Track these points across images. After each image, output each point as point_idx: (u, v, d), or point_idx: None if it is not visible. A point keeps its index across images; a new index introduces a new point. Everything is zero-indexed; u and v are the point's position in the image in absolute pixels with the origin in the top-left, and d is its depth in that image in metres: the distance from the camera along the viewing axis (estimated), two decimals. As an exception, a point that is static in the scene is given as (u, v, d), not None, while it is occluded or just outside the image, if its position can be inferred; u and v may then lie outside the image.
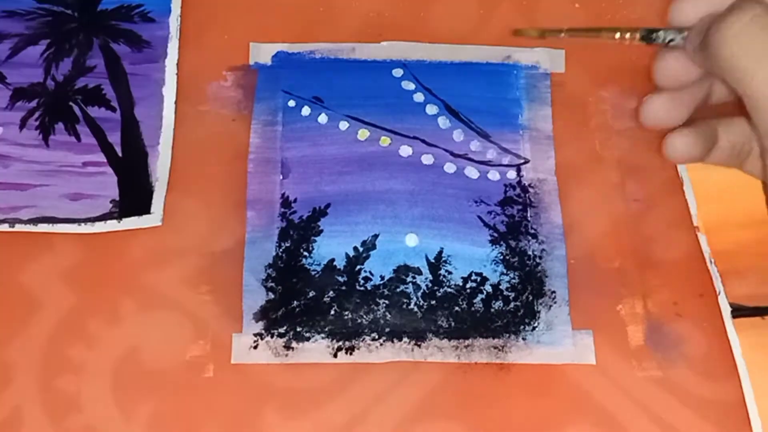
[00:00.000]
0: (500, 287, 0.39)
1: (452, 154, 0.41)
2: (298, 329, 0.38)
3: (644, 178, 0.42)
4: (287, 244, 0.40)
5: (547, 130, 0.43)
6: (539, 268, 0.39)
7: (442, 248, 0.39)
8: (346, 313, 0.38)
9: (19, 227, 0.40)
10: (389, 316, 0.38)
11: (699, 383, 0.38)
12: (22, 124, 0.42)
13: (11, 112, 0.42)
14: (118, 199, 0.41)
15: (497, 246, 0.40)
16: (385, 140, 0.42)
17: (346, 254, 0.39)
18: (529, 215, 0.41)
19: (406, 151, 0.41)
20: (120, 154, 0.42)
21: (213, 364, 0.38)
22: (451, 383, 0.37)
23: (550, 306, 0.39)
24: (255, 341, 0.38)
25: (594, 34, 0.38)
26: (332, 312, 0.38)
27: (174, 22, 0.44)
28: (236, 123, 0.42)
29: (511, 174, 0.41)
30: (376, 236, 0.39)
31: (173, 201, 0.41)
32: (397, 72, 0.43)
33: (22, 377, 0.37)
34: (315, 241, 0.39)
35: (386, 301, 0.38)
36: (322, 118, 0.42)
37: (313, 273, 0.39)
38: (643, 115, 0.38)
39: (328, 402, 0.37)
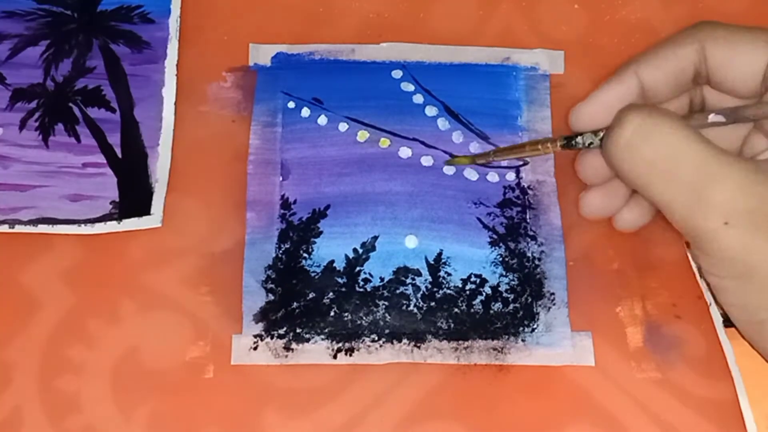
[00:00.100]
0: (499, 289, 0.39)
1: (452, 155, 0.41)
2: (298, 330, 0.38)
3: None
4: (287, 246, 0.40)
5: (546, 131, 0.43)
6: (538, 269, 0.39)
7: (442, 250, 0.39)
8: (346, 314, 0.38)
9: (19, 228, 0.40)
10: (389, 317, 0.38)
11: (698, 384, 0.38)
12: (22, 125, 0.42)
13: (11, 112, 0.42)
14: (117, 200, 0.41)
15: (496, 248, 0.40)
16: (384, 142, 0.42)
17: (346, 256, 0.39)
18: (528, 217, 0.41)
19: (405, 152, 0.41)
20: (120, 155, 0.42)
21: (213, 365, 0.38)
22: (451, 384, 0.37)
23: (549, 308, 0.39)
24: (255, 342, 0.38)
25: (519, 151, 0.39)
26: (332, 313, 0.38)
27: (174, 23, 0.44)
28: (236, 124, 0.42)
29: (510, 176, 0.41)
30: (375, 238, 0.39)
31: (173, 202, 0.41)
32: (397, 73, 0.43)
33: (22, 377, 0.37)
34: (315, 242, 0.40)
35: (386, 303, 0.39)
36: (322, 120, 0.42)
37: (312, 274, 0.39)
38: (583, 212, 0.39)
39: (328, 403, 0.37)
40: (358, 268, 0.39)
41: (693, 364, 0.38)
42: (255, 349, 0.38)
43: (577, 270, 0.40)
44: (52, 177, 0.41)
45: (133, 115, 0.42)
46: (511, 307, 0.39)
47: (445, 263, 0.39)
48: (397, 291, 0.39)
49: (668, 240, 0.40)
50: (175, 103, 0.43)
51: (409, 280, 0.39)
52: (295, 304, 0.39)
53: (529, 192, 0.41)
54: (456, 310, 0.39)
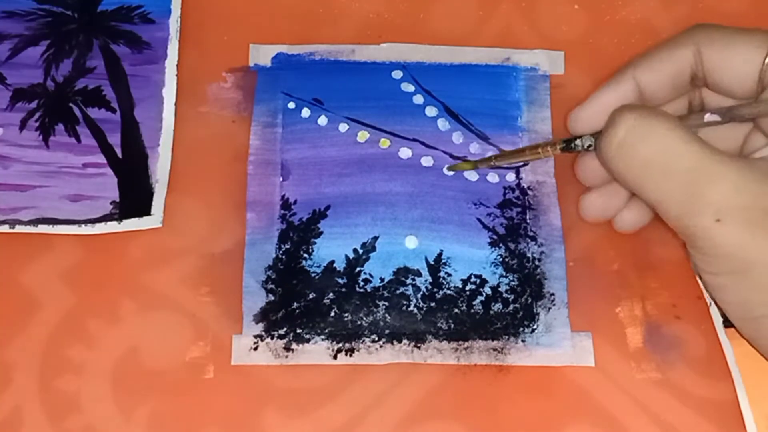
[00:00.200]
0: (499, 289, 0.39)
1: (452, 156, 0.41)
2: (298, 331, 0.38)
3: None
4: (287, 246, 0.40)
5: (546, 132, 0.43)
6: (538, 270, 0.40)
7: (442, 250, 0.39)
8: (346, 314, 0.38)
9: (19, 228, 0.40)
10: (389, 317, 0.38)
11: (698, 384, 0.38)
12: (22, 125, 0.42)
13: (11, 113, 0.42)
14: (118, 200, 0.41)
15: (496, 248, 0.40)
16: (384, 142, 0.42)
17: (346, 256, 0.39)
18: (528, 217, 0.41)
19: (405, 153, 0.41)
20: (120, 156, 0.42)
21: (213, 365, 0.38)
22: (451, 385, 0.37)
23: (549, 308, 0.39)
24: (255, 343, 0.38)
25: (520, 155, 0.40)
26: (332, 314, 0.38)
27: (174, 23, 0.44)
28: (236, 124, 0.43)
29: (510, 176, 0.41)
30: (375, 238, 0.39)
31: (173, 202, 0.41)
32: (397, 74, 0.43)
33: (22, 377, 0.37)
34: (315, 243, 0.40)
35: (386, 303, 0.39)
36: (322, 120, 0.42)
37: (312, 275, 0.39)
38: (583, 214, 0.39)
39: (328, 403, 0.37)
40: (358, 269, 0.39)
41: (693, 365, 0.38)
42: (255, 349, 0.38)
43: (577, 270, 0.40)
44: (52, 177, 0.41)
45: (133, 115, 0.42)
46: (511, 307, 0.39)
47: (445, 264, 0.39)
48: (397, 291, 0.39)
49: (668, 240, 0.40)
50: (175, 104, 0.43)
51: (409, 281, 0.39)
52: (295, 304, 0.39)
53: (529, 193, 0.41)
54: (456, 310, 0.39)
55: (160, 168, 0.41)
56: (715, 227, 0.31)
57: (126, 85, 0.43)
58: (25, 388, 0.37)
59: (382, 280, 0.39)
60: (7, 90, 0.43)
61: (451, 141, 0.42)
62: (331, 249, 0.39)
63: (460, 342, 0.38)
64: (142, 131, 0.42)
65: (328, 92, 0.43)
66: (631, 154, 0.33)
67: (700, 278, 0.39)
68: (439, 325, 0.38)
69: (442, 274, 0.39)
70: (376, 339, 0.38)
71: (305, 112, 0.42)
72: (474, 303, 0.39)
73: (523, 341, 0.38)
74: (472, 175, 0.41)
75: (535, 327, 0.38)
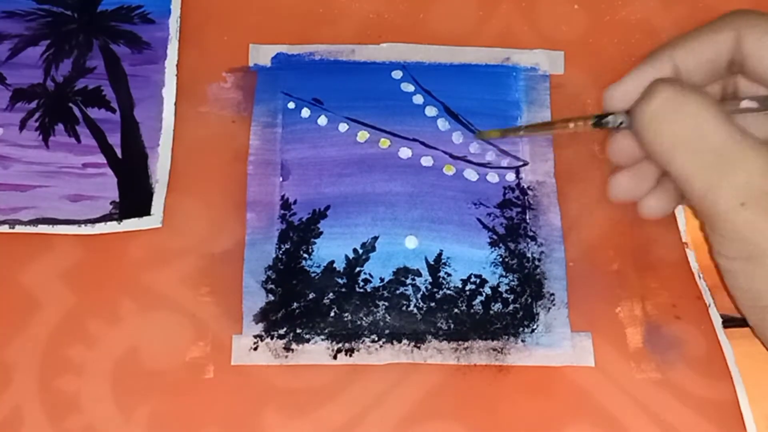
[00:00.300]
0: (499, 289, 0.39)
1: (451, 156, 0.41)
2: (298, 331, 0.38)
3: (643, 180, 0.42)
4: (287, 246, 0.40)
5: (546, 132, 0.43)
6: (538, 270, 0.40)
7: (442, 250, 0.39)
8: (346, 314, 0.38)
9: (19, 228, 0.40)
10: (389, 317, 0.38)
11: (698, 384, 0.38)
12: (22, 125, 0.42)
13: (11, 113, 0.42)
14: (118, 200, 0.41)
15: (496, 248, 0.40)
16: (384, 142, 0.42)
17: (346, 256, 0.39)
18: (528, 217, 0.41)
19: (405, 153, 0.41)
20: (120, 156, 0.42)
21: (213, 365, 0.38)
22: (451, 385, 0.37)
23: (549, 308, 0.39)
24: (255, 343, 0.38)
25: (549, 127, 0.40)
26: (332, 314, 0.38)
27: (174, 23, 0.44)
28: (236, 124, 0.43)
29: (510, 176, 0.41)
30: (375, 238, 0.40)
31: (173, 202, 0.41)
32: (397, 74, 0.43)
33: (22, 377, 0.37)
34: (315, 243, 0.40)
35: (386, 303, 0.39)
36: (322, 120, 0.42)
37: (312, 275, 0.39)
38: (611, 194, 0.38)
39: (328, 403, 0.37)
40: (358, 269, 0.39)
41: (693, 365, 0.38)
42: (255, 349, 0.38)
43: (576, 270, 0.40)
44: (52, 177, 0.41)
45: (133, 115, 0.42)
46: (510, 307, 0.39)
47: (445, 264, 0.39)
48: (397, 291, 0.39)
49: (668, 240, 0.40)
50: (175, 104, 0.43)
51: (409, 281, 0.39)
52: (295, 304, 0.39)
53: (529, 193, 0.41)
54: (456, 310, 0.39)
55: (160, 168, 0.41)
56: (737, 210, 0.31)
57: (126, 85, 0.43)
58: (25, 388, 0.37)
59: (382, 280, 0.39)
60: (7, 90, 0.43)
61: (451, 141, 0.42)
62: (331, 249, 0.39)
63: (460, 342, 0.38)
64: (142, 131, 0.42)
65: (328, 92, 0.43)
66: (663, 126, 0.32)
67: (702, 279, 0.39)
68: (438, 325, 0.38)
69: (441, 274, 0.39)
70: (376, 339, 0.38)
71: (305, 112, 0.42)
72: (474, 303, 0.39)
73: (523, 341, 0.38)
74: (472, 175, 0.41)
75: (535, 327, 0.38)
